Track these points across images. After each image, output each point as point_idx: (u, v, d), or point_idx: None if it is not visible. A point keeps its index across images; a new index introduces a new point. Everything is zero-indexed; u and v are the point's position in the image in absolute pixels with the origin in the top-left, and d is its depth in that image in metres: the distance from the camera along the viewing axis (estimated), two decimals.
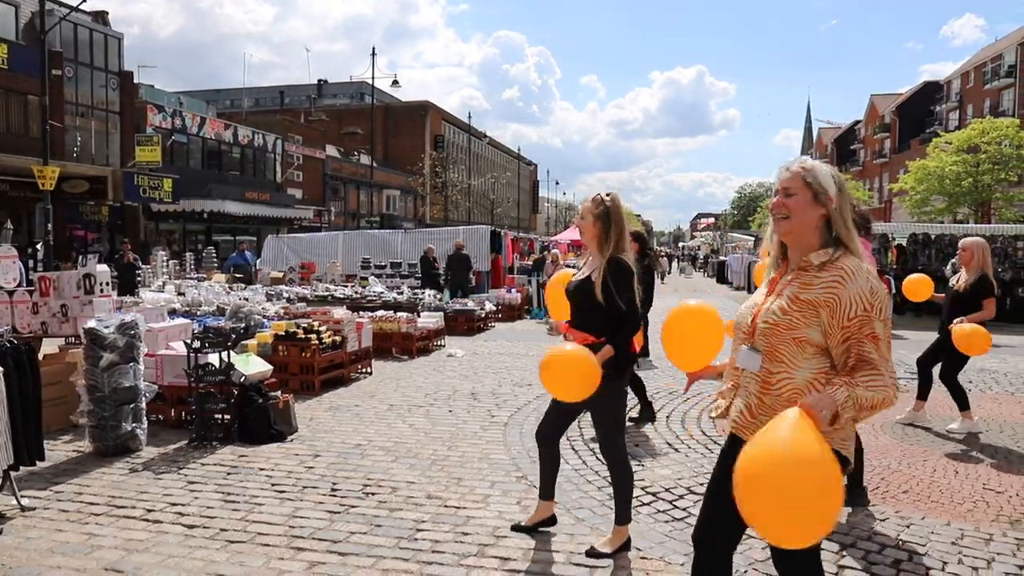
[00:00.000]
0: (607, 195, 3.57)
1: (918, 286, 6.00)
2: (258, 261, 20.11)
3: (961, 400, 5.99)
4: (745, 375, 2.25)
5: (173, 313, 9.26)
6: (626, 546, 3.58)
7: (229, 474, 4.82)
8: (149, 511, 4.13)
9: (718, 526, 2.31)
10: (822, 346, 2.11)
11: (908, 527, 3.95)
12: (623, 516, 3.59)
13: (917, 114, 61.57)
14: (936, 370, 6.17)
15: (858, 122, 76.16)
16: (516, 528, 3.85)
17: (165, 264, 20.58)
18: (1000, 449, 5.49)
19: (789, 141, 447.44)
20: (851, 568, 3.46)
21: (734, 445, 2.18)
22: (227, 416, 5.70)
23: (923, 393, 6.20)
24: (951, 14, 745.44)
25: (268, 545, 3.68)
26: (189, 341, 5.74)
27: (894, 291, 14.27)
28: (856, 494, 4.22)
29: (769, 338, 2.15)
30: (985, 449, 5.50)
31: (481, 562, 3.50)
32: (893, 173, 53.54)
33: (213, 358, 5.80)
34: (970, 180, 34.69)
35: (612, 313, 3.46)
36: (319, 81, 69.26)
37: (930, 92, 61.97)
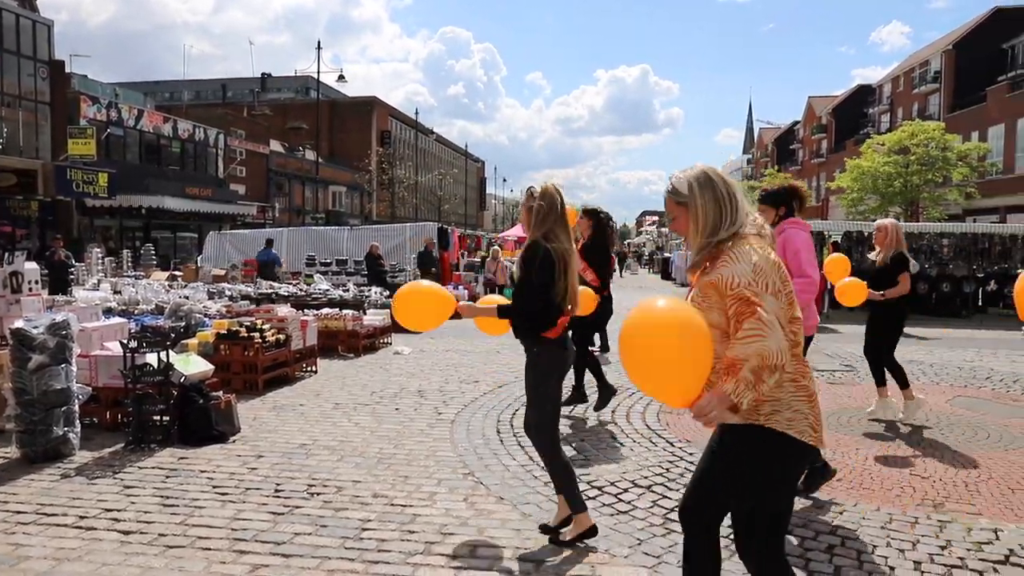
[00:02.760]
0: (539, 187, 3.70)
1: (852, 291, 5.95)
2: (199, 258, 19.62)
3: (902, 379, 6.23)
4: None
5: (109, 312, 8.95)
6: (589, 533, 3.63)
7: (168, 477, 4.69)
8: (82, 518, 4.00)
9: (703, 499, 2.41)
10: (724, 329, 2.23)
11: (841, 513, 4.10)
12: (574, 506, 3.64)
13: (852, 116, 63.74)
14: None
15: (797, 123, 78.40)
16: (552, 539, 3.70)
17: (100, 261, 19.89)
18: (926, 437, 5.74)
19: (731, 140, 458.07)
20: (788, 555, 3.56)
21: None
22: (166, 417, 5.56)
23: (881, 380, 6.29)
24: (879, 21, 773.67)
25: (209, 549, 3.61)
26: (125, 341, 5.57)
27: (828, 286, 14.76)
28: (817, 476, 4.37)
29: None
30: (912, 437, 5.74)
31: (428, 560, 3.50)
32: (830, 172, 55.30)
33: (151, 358, 5.64)
34: (901, 180, 36.11)
35: (525, 290, 3.58)
36: (263, 75, 67.88)
37: (863, 95, 64.23)
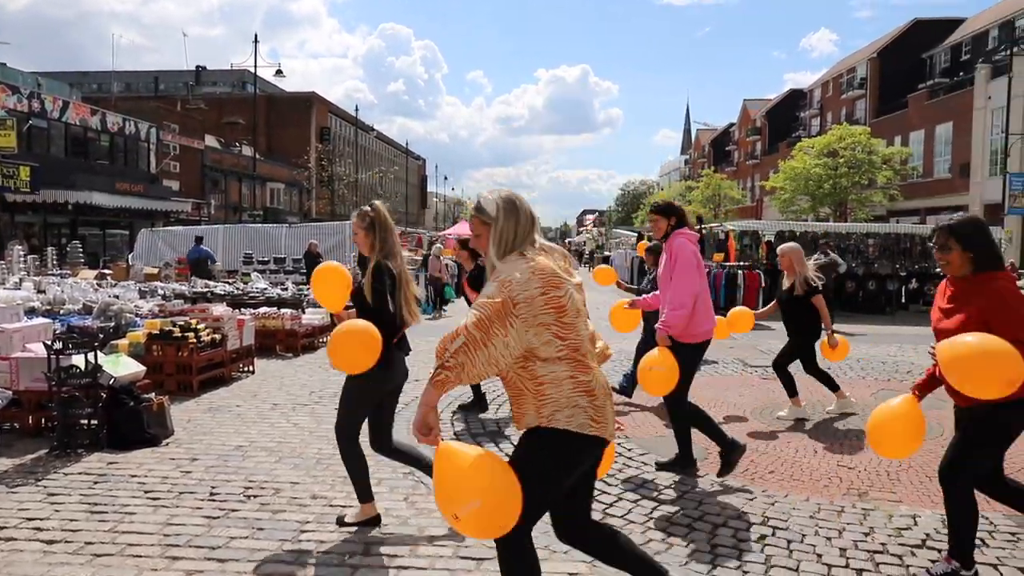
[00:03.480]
0: (371, 207, 3.91)
1: (740, 320, 6.09)
2: (130, 256, 18.96)
3: (831, 384, 6.54)
4: None
5: (32, 312, 8.56)
6: (372, 522, 3.87)
7: (96, 483, 4.53)
8: (1, 528, 3.83)
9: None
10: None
11: (773, 504, 4.25)
12: (361, 496, 3.90)
13: (784, 119, 65.81)
14: (796, 367, 6.57)
15: (732, 125, 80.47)
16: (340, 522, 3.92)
17: (22, 259, 18.97)
18: (853, 430, 5.99)
19: (669, 140, 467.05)
20: (722, 546, 3.69)
21: None
22: (94, 421, 5.36)
23: (792, 390, 6.49)
24: (809, 28, 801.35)
25: (140, 556, 3.50)
26: (49, 342, 5.35)
27: (762, 284, 15.22)
28: (684, 463, 4.79)
29: None
30: (839, 430, 5.98)
31: (367, 560, 3.47)
32: (764, 173, 56.96)
33: (78, 360, 5.43)
34: (830, 182, 37.49)
35: (372, 310, 3.74)
36: (197, 67, 65.79)
37: (795, 99, 66.37)
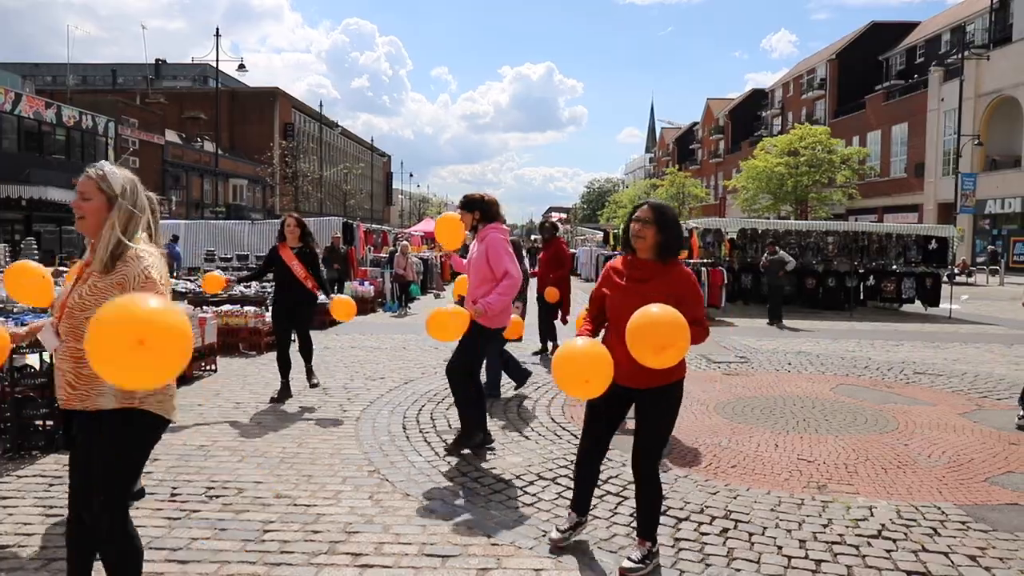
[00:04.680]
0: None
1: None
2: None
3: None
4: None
5: None
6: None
7: (52, 485, 4.42)
8: None
9: None
10: None
11: (735, 498, 4.32)
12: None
13: (747, 118, 66.81)
14: None
15: (696, 123, 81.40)
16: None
17: None
18: (812, 423, 6.11)
19: (633, 139, 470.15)
20: (685, 539, 3.74)
21: None
22: (50, 422, 5.22)
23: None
24: (769, 29, 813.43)
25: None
26: None
27: (726, 281, 15.43)
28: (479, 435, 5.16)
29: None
30: (800, 424, 6.10)
31: (332, 559, 3.45)
32: (727, 172, 57.74)
33: (32, 359, 5.29)
34: (792, 181, 38.13)
35: None
36: (157, 61, 64.52)
37: (757, 99, 67.41)
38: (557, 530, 3.63)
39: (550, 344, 9.70)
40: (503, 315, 5.02)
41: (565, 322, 9.88)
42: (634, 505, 4.18)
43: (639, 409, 3.37)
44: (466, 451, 5.14)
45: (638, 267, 3.29)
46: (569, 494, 4.34)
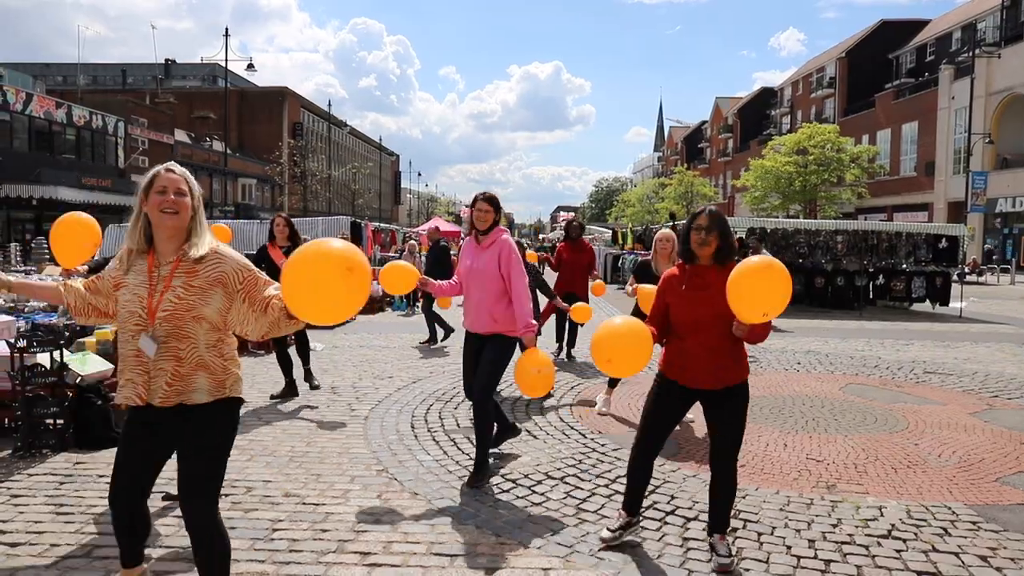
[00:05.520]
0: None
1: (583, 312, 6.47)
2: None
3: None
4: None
5: None
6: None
7: (63, 483, 4.45)
8: None
9: None
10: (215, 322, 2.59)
11: (744, 497, 4.30)
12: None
13: (756, 117, 66.55)
14: None
15: (705, 122, 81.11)
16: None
17: None
18: (821, 423, 6.08)
19: (641, 138, 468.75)
20: (694, 539, 3.73)
21: None
22: (60, 421, 5.25)
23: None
24: (777, 28, 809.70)
25: (107, 558, 3.44)
26: (13, 340, 5.24)
27: None
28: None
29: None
30: (809, 424, 6.07)
31: (341, 558, 3.46)
32: (736, 171, 57.52)
33: (43, 358, 5.32)
34: (800, 180, 37.95)
35: None
36: (167, 61, 64.72)
37: (766, 97, 67.14)
38: (608, 529, 3.66)
39: (566, 347, 9.38)
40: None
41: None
42: (643, 504, 4.18)
43: (712, 411, 3.49)
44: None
45: (699, 274, 3.40)
46: (577, 493, 4.34)
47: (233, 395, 2.66)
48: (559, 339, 9.61)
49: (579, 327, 9.41)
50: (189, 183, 2.65)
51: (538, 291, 7.87)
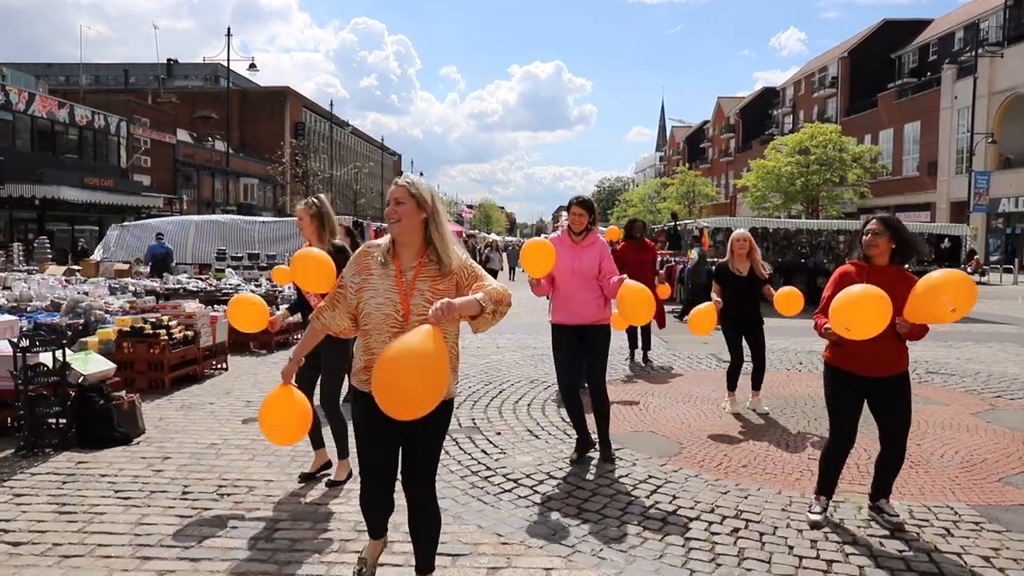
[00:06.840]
0: (316, 199, 4.57)
1: (790, 300, 6.20)
2: (98, 251, 18.61)
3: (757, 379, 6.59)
4: None
5: None
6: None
7: (65, 483, 4.46)
8: None
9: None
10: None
11: (746, 498, 4.30)
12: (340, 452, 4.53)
13: (758, 116, 66.47)
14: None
15: (707, 122, 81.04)
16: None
17: None
18: (823, 423, 6.06)
19: (642, 137, 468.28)
20: (696, 539, 3.72)
21: None
22: (63, 420, 5.26)
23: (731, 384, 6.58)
24: (778, 27, 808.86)
25: (110, 556, 3.45)
26: (15, 340, 5.25)
27: None
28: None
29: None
30: (811, 424, 6.07)
31: (343, 558, 3.46)
32: (738, 170, 57.45)
33: (45, 357, 5.33)
34: (802, 180, 37.88)
35: None
36: (168, 60, 64.72)
37: (768, 97, 67.06)
38: (813, 512, 3.97)
39: (640, 351, 8.92)
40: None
41: (663, 325, 9.40)
42: (645, 504, 4.18)
43: (884, 398, 3.84)
44: (479, 451, 5.15)
45: (876, 272, 3.80)
46: (579, 493, 4.34)
47: (450, 396, 2.84)
48: (632, 345, 8.99)
49: (650, 329, 8.88)
50: (412, 191, 2.76)
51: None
